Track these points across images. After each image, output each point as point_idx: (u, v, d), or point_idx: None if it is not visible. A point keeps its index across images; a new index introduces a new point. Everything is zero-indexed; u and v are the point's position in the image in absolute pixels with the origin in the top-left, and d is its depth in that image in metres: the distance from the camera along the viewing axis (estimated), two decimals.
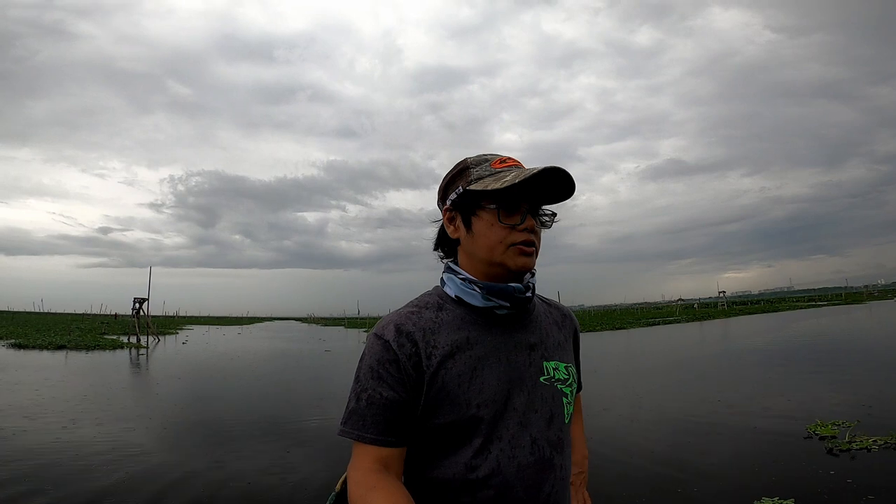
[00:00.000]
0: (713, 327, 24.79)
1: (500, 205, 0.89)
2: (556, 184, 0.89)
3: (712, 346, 15.97)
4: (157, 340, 23.71)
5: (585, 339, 20.11)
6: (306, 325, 68.70)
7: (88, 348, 17.84)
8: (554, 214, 0.96)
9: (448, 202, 0.95)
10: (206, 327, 47.62)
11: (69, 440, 5.25)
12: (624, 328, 27.47)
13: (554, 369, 0.94)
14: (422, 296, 0.97)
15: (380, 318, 0.94)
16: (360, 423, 0.84)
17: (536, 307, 1.00)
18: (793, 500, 3.25)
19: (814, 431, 4.76)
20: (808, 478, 3.67)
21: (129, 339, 21.40)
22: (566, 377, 0.96)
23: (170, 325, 42.71)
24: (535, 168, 0.87)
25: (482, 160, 0.94)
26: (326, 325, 60.48)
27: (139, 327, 23.21)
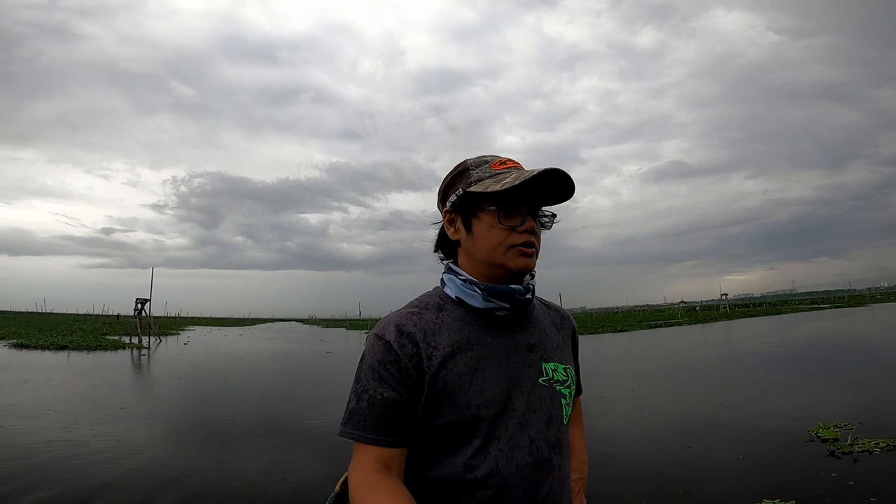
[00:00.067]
0: (715, 330, 24.73)
1: (500, 206, 0.89)
2: (556, 185, 0.90)
3: (714, 348, 15.93)
4: (158, 341, 23.74)
5: (587, 341, 20.21)
6: (308, 326, 68.71)
7: (90, 349, 17.87)
8: (554, 216, 0.97)
9: (448, 204, 0.95)
10: (207, 328, 47.68)
11: (70, 439, 5.26)
12: (626, 330, 27.42)
13: (553, 370, 0.95)
14: (422, 296, 0.97)
15: (381, 319, 0.94)
16: (362, 423, 0.84)
17: (536, 309, 1.00)
18: (794, 502, 3.25)
19: (816, 434, 4.74)
20: (810, 480, 3.66)
21: (130, 340, 21.43)
22: (565, 378, 0.96)
23: (172, 325, 42.76)
24: (534, 170, 0.87)
25: (482, 162, 0.94)
26: (328, 327, 60.48)
27: (141, 328, 23.25)
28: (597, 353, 14.99)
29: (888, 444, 4.27)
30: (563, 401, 0.95)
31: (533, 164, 0.94)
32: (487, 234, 0.90)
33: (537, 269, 0.96)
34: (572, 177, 0.89)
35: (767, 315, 37.82)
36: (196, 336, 31.00)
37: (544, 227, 0.96)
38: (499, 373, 0.88)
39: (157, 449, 5.04)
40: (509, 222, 0.89)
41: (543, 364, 0.94)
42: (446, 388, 0.85)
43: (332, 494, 0.95)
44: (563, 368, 0.97)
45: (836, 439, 4.53)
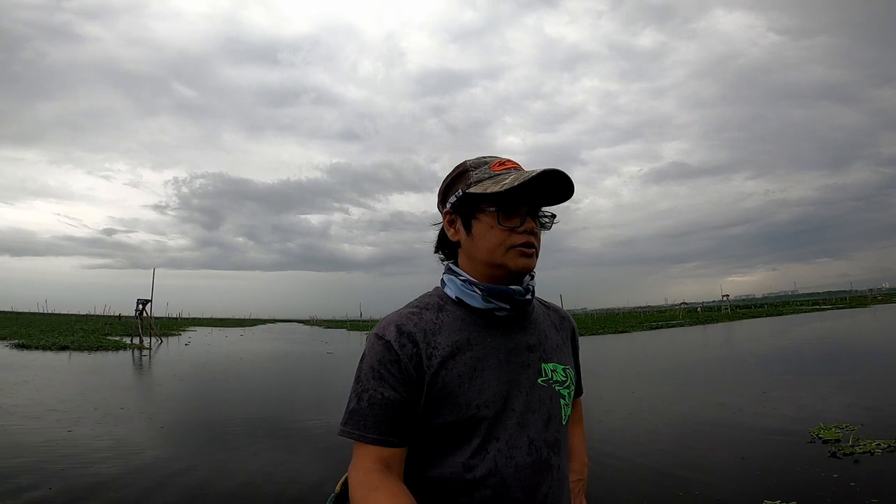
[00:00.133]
0: (716, 331, 24.69)
1: (499, 207, 0.89)
2: (555, 186, 0.90)
3: (715, 349, 15.90)
4: (159, 342, 23.77)
5: (588, 342, 20.19)
6: (309, 327, 68.73)
7: (91, 349, 17.90)
8: (553, 216, 0.97)
9: (448, 205, 0.96)
10: (208, 329, 47.71)
11: (71, 439, 5.27)
12: (627, 332, 27.40)
13: (552, 371, 0.95)
14: (422, 296, 0.98)
15: (381, 319, 0.95)
16: (362, 423, 0.85)
17: (535, 309, 1.01)
18: (795, 503, 3.24)
19: (817, 435, 4.73)
20: (811, 481, 3.65)
21: (132, 341, 21.46)
22: (564, 379, 0.97)
23: (173, 326, 42.80)
24: (533, 170, 0.88)
25: (481, 163, 0.95)
26: (329, 328, 60.51)
27: (142, 328, 23.28)
28: (598, 355, 14.97)
29: (889, 446, 4.26)
30: (561, 401, 0.95)
31: (534, 165, 0.94)
32: (487, 234, 0.90)
33: (537, 270, 0.96)
34: (572, 178, 0.89)
35: (769, 316, 37.75)
36: (197, 337, 31.02)
37: (544, 227, 0.97)
38: (498, 373, 0.89)
39: (157, 449, 5.04)
40: (509, 223, 0.89)
41: (543, 364, 0.94)
42: (446, 387, 0.85)
43: (333, 495, 0.95)
44: (563, 369, 0.97)
45: (837, 440, 4.52)
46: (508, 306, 0.91)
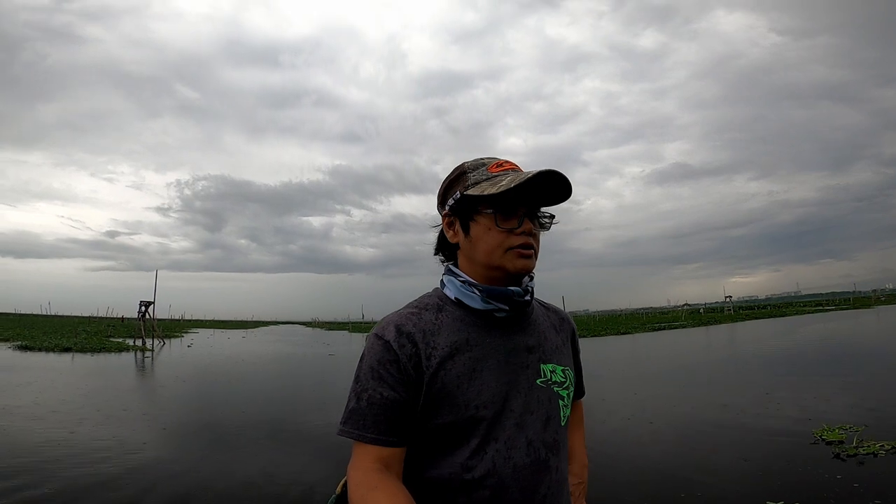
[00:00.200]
0: (719, 332, 24.62)
1: (496, 209, 0.90)
2: (553, 186, 0.91)
3: (718, 350, 15.86)
4: (162, 343, 23.82)
5: (591, 343, 20.14)
6: (311, 329, 68.76)
7: (94, 351, 17.95)
8: (552, 217, 0.97)
9: (447, 207, 0.96)
10: (211, 331, 47.80)
11: (73, 440, 5.29)
12: (629, 333, 27.32)
13: (551, 372, 0.95)
14: (422, 297, 0.98)
15: (381, 319, 0.95)
16: (361, 422, 0.85)
17: (535, 310, 1.01)
18: None
19: (820, 436, 4.71)
20: (815, 482, 3.64)
21: (134, 342, 21.52)
22: (563, 380, 0.97)
23: (175, 328, 42.89)
24: (530, 171, 0.88)
25: (479, 164, 0.95)
26: (331, 329, 60.52)
27: (145, 330, 23.34)
28: (600, 356, 14.95)
29: (893, 447, 4.24)
30: (560, 402, 0.95)
31: (535, 166, 0.90)
32: (485, 236, 0.91)
33: (537, 271, 0.96)
34: (571, 179, 0.90)
35: (772, 317, 37.62)
36: (199, 338, 31.08)
37: (543, 228, 0.97)
38: (497, 374, 0.89)
39: (159, 450, 5.05)
40: (507, 224, 0.90)
41: (542, 365, 0.94)
42: (445, 388, 0.86)
43: (334, 496, 0.95)
44: (562, 370, 0.97)
45: (840, 442, 4.50)
46: (507, 307, 0.92)
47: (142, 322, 23.85)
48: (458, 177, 0.95)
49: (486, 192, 0.88)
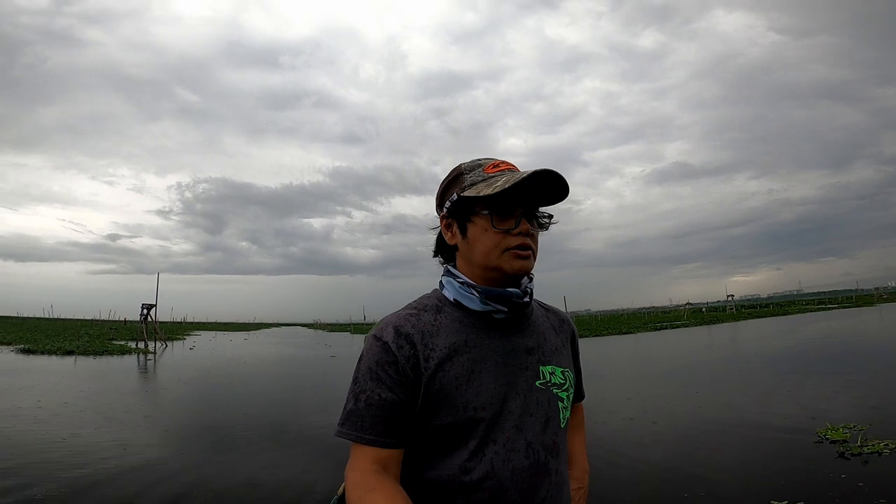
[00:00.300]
0: (721, 331, 24.58)
1: (493, 210, 0.89)
2: (550, 186, 0.90)
3: (720, 349, 15.83)
4: (164, 346, 23.86)
5: (592, 343, 20.11)
6: (312, 330, 68.86)
7: (97, 353, 17.99)
8: (550, 216, 0.97)
9: (444, 209, 0.96)
10: (213, 333, 47.86)
11: (76, 442, 5.30)
12: (631, 332, 27.30)
13: (550, 374, 0.95)
14: (421, 298, 0.98)
15: (379, 320, 0.95)
16: (359, 423, 0.85)
17: (534, 312, 1.00)
18: (802, 503, 3.22)
19: (824, 435, 4.69)
20: (819, 481, 3.62)
21: (137, 345, 21.58)
22: (562, 382, 0.96)
23: (177, 330, 42.97)
24: (525, 172, 0.88)
25: (475, 165, 0.95)
26: (332, 331, 60.57)
27: (147, 333, 23.39)
28: (602, 356, 14.93)
29: None
30: (560, 404, 0.94)
31: (535, 166, 0.93)
32: (482, 237, 0.90)
33: (537, 272, 0.96)
34: (570, 179, 0.89)
35: (774, 316, 37.54)
36: (201, 341, 31.12)
37: (542, 228, 0.96)
38: (496, 375, 0.88)
39: (161, 452, 5.05)
40: (503, 225, 0.89)
41: (541, 367, 0.94)
42: (443, 389, 0.85)
43: (335, 497, 0.95)
44: (561, 372, 0.97)
45: (845, 440, 4.48)
46: (506, 309, 0.91)
47: (144, 325, 23.91)
48: (455, 178, 0.95)
49: (481, 194, 0.88)
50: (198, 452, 5.10)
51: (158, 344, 23.70)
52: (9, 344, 21.24)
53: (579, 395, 1.12)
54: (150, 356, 18.07)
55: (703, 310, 58.21)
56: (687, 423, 5.80)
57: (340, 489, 0.95)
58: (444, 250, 1.00)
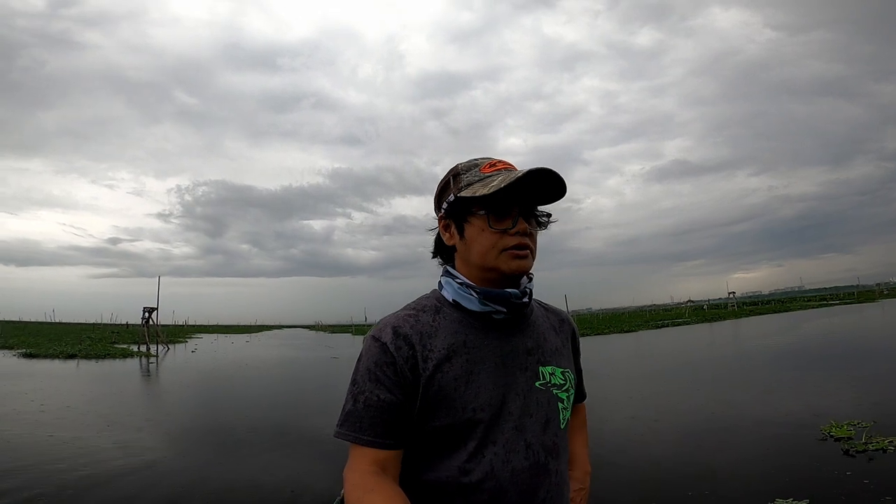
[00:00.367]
0: (723, 328, 24.56)
1: (489, 210, 0.89)
2: (547, 184, 0.89)
3: (723, 347, 15.81)
4: (166, 349, 23.89)
5: (594, 342, 20.09)
6: (314, 332, 68.91)
7: (99, 357, 18.03)
8: (549, 215, 0.96)
9: (442, 210, 0.96)
10: (214, 336, 47.91)
11: (78, 444, 5.30)
12: (632, 331, 27.28)
13: (550, 374, 0.94)
14: (420, 299, 0.97)
15: (378, 321, 0.94)
16: (357, 424, 0.84)
17: (534, 312, 0.99)
18: (807, 501, 3.20)
19: (829, 433, 4.67)
20: (824, 479, 3.61)
21: (139, 348, 21.61)
22: (562, 382, 0.95)
23: (179, 333, 42.98)
24: (521, 171, 0.87)
25: (472, 165, 0.94)
26: (334, 333, 60.58)
27: (149, 336, 23.41)
28: (603, 355, 14.92)
29: None
30: (560, 405, 0.94)
31: (535, 165, 0.92)
32: (479, 238, 0.90)
33: (537, 272, 0.95)
34: (571, 178, 0.89)
35: (776, 312, 37.50)
36: (203, 344, 31.15)
37: (540, 226, 0.95)
38: (495, 376, 0.88)
39: (163, 454, 5.05)
40: (500, 225, 0.89)
41: (541, 368, 0.93)
42: (441, 390, 0.85)
43: (338, 499, 0.95)
44: (561, 372, 0.96)
45: (849, 438, 4.46)
46: (505, 309, 0.90)
47: (146, 328, 23.93)
48: (452, 179, 0.95)
49: (477, 194, 0.87)
50: (200, 454, 5.10)
51: (160, 347, 23.72)
52: (11, 348, 21.28)
53: (581, 395, 1.11)
54: (153, 359, 18.09)
55: (705, 307, 58.11)
56: (689, 420, 5.78)
57: (343, 491, 0.94)
58: (442, 251, 1.00)
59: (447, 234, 0.96)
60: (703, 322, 31.51)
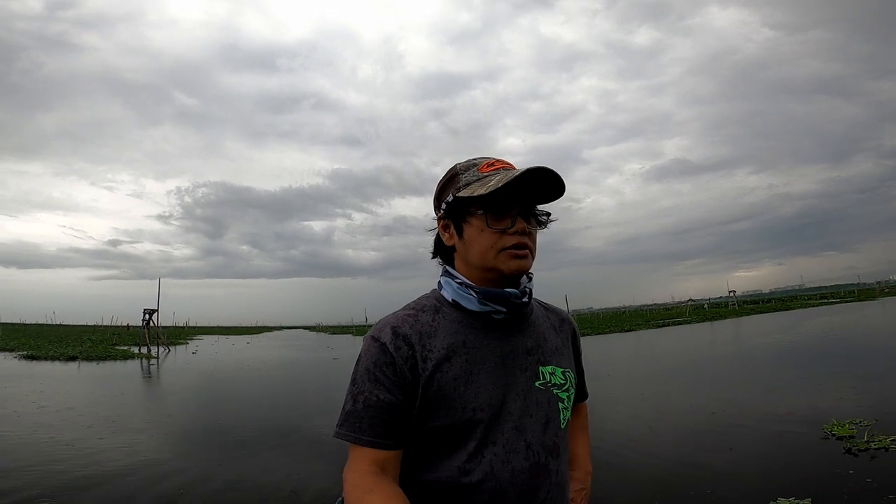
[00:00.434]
0: (724, 327, 24.54)
1: (487, 210, 0.88)
2: (546, 183, 0.89)
3: (724, 346, 15.81)
4: (167, 351, 23.89)
5: (595, 341, 20.09)
6: (315, 333, 68.95)
7: (100, 359, 18.03)
8: (548, 214, 0.96)
9: (441, 210, 0.96)
10: (215, 337, 47.94)
11: (79, 446, 5.30)
12: (633, 330, 27.28)
13: (550, 374, 0.94)
14: (419, 299, 0.97)
15: (378, 321, 0.94)
16: (357, 425, 0.84)
17: (534, 311, 0.99)
18: (809, 500, 3.19)
19: (830, 431, 4.66)
20: (826, 478, 3.60)
21: (139, 350, 21.61)
22: (563, 382, 0.95)
23: (180, 335, 43.01)
24: (518, 170, 0.87)
25: (470, 165, 0.94)
26: (335, 333, 60.63)
27: (150, 338, 23.42)
28: (604, 354, 14.91)
29: None
30: (560, 405, 0.93)
31: (534, 165, 0.92)
32: (478, 238, 0.90)
33: (537, 271, 0.95)
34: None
35: (777, 311, 37.48)
36: (204, 345, 31.17)
37: (540, 225, 0.95)
38: (494, 376, 0.88)
39: (165, 456, 5.04)
40: (498, 225, 0.88)
41: (541, 368, 0.93)
42: (441, 390, 0.85)
43: (340, 499, 0.95)
44: (562, 372, 0.96)
45: (851, 436, 4.45)
46: (505, 309, 0.90)
47: (146, 330, 23.94)
48: (451, 179, 0.95)
49: (475, 193, 0.87)
50: (201, 455, 5.10)
51: (161, 349, 23.73)
52: (12, 350, 21.30)
53: (582, 394, 1.11)
54: (154, 361, 18.09)
55: (706, 306, 58.15)
56: (690, 420, 5.77)
57: None
58: (442, 252, 1.00)
59: (446, 235, 0.96)
60: (703, 321, 31.48)
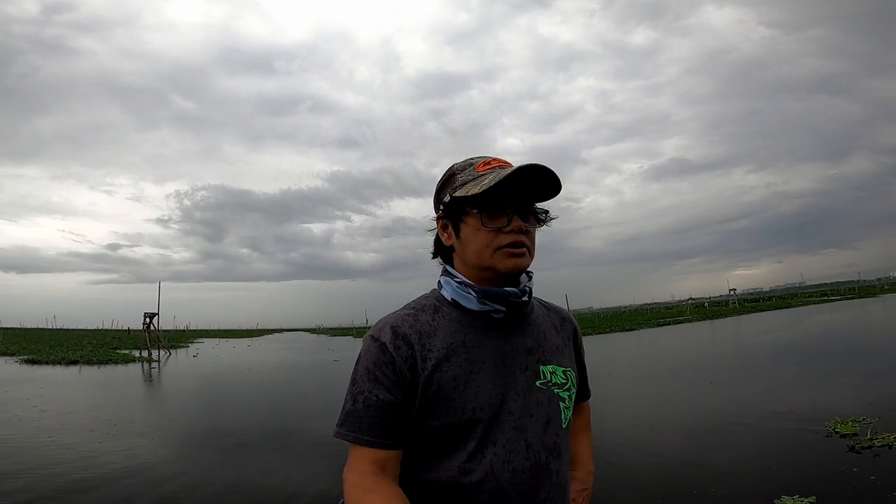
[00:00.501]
0: (725, 326, 24.53)
1: (482, 209, 0.88)
2: (542, 181, 0.88)
3: (725, 344, 15.79)
4: (168, 354, 23.88)
5: (595, 341, 20.08)
6: (315, 335, 68.92)
7: (101, 363, 18.00)
8: (546, 212, 0.95)
9: (440, 210, 0.96)
10: (216, 340, 47.93)
11: (80, 449, 5.29)
12: (634, 329, 27.26)
13: (551, 373, 0.93)
14: (419, 298, 0.97)
15: (378, 321, 0.93)
16: (357, 425, 0.84)
17: (535, 311, 0.99)
18: (813, 498, 3.18)
19: (833, 429, 4.65)
20: (830, 476, 3.58)
21: (140, 354, 21.59)
22: (564, 381, 0.95)
23: (180, 338, 43.00)
24: (511, 168, 0.86)
25: (467, 165, 0.94)
26: (335, 336, 60.59)
27: (150, 341, 23.42)
28: (605, 354, 14.90)
29: None
30: (561, 404, 0.93)
31: (528, 163, 0.92)
32: (474, 237, 0.90)
33: (538, 271, 0.95)
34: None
35: (777, 309, 37.47)
36: (205, 348, 31.15)
37: (539, 223, 0.95)
38: (494, 376, 0.87)
39: (166, 459, 5.03)
40: (494, 224, 0.88)
41: (541, 367, 0.92)
42: (441, 390, 0.84)
43: (341, 501, 0.94)
44: (563, 371, 0.95)
45: (855, 434, 4.44)
46: (504, 308, 0.90)
47: (147, 333, 23.93)
48: (448, 179, 0.95)
49: (470, 193, 0.87)
50: (202, 457, 5.09)
51: (162, 352, 23.72)
52: (13, 355, 21.27)
53: (584, 393, 1.10)
54: (154, 364, 18.07)
55: (706, 304, 58.14)
56: (691, 419, 5.76)
57: None
58: (442, 252, 1.00)
59: (445, 235, 0.96)
60: (704, 320, 31.48)
